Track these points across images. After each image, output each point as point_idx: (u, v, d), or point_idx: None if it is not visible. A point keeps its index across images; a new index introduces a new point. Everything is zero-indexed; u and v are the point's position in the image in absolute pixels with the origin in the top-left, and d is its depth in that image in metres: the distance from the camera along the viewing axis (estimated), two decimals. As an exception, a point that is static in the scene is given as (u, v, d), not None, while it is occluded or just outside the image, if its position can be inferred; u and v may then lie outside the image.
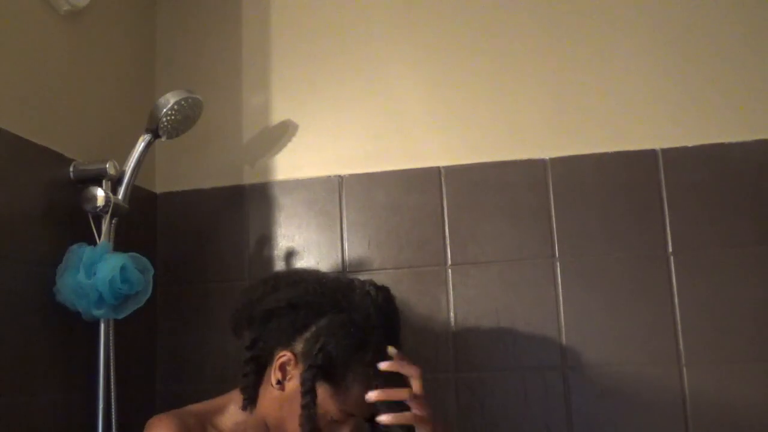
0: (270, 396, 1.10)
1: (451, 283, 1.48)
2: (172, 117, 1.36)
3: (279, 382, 1.08)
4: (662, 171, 1.44)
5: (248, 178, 1.61)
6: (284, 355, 1.08)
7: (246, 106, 1.65)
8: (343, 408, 1.06)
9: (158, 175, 1.65)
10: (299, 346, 1.08)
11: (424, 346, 1.46)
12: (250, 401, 1.12)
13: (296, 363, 1.07)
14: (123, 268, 1.23)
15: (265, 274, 1.22)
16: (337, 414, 1.07)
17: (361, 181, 1.55)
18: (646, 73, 1.49)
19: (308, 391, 1.03)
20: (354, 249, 1.53)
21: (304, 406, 1.03)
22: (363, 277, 1.48)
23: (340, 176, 1.57)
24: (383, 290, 1.14)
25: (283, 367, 1.08)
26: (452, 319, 1.47)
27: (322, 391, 1.05)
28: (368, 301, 1.10)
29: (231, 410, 1.15)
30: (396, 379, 1.05)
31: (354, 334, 1.06)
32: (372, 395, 1.02)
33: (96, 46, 1.45)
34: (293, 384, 1.07)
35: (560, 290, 1.44)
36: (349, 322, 1.07)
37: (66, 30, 1.35)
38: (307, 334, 1.08)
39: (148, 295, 1.30)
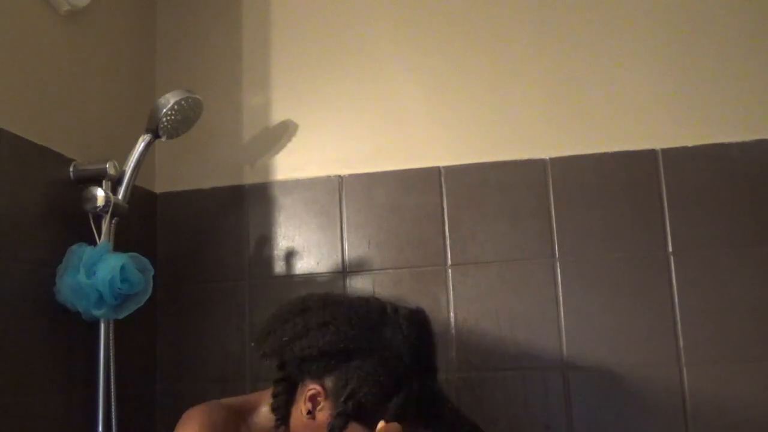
0: (301, 420, 1.09)
1: (451, 283, 1.48)
2: (172, 117, 1.36)
3: (309, 412, 1.07)
4: (662, 171, 1.44)
5: (248, 178, 1.61)
6: (314, 389, 1.06)
7: (246, 106, 1.65)
8: None
9: (158, 175, 1.65)
10: (329, 382, 1.06)
11: (424, 346, 1.46)
12: (283, 421, 1.11)
13: (326, 397, 1.06)
14: (123, 268, 1.23)
15: (294, 303, 1.13)
16: None
17: (361, 181, 1.55)
18: (646, 73, 1.49)
19: None
20: (354, 249, 1.53)
21: None
22: (363, 277, 1.51)
23: (340, 176, 1.57)
24: (416, 320, 1.10)
25: (313, 399, 1.07)
26: (452, 319, 1.47)
27: (353, 429, 1.04)
28: (400, 338, 1.07)
29: (263, 412, 1.14)
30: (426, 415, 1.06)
31: (385, 380, 1.04)
32: None
33: (96, 46, 1.45)
34: (324, 415, 1.06)
35: (560, 290, 1.44)
36: (380, 365, 1.04)
37: (66, 30, 1.35)
38: (337, 373, 1.06)
39: (148, 295, 1.30)
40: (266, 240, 1.58)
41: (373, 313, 1.11)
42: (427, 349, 1.12)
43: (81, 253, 1.24)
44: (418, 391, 1.05)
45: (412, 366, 1.06)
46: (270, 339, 1.11)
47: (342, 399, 1.03)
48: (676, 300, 1.40)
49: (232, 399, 1.16)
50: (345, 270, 1.53)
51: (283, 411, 1.11)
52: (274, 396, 1.12)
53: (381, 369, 1.04)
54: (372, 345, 1.06)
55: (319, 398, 1.06)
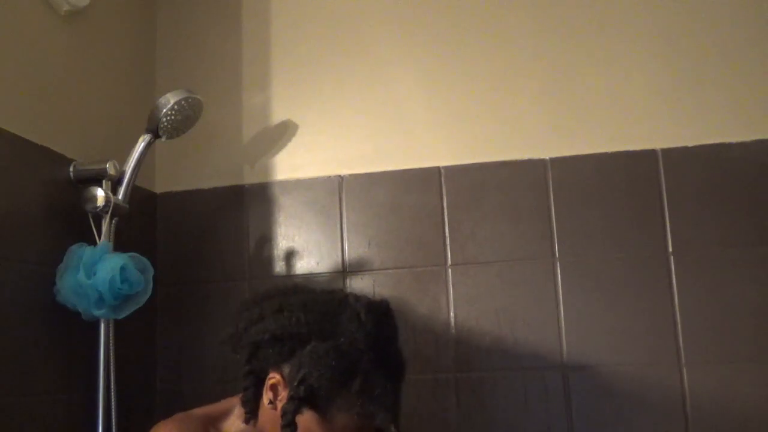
0: (266, 412, 1.09)
1: (451, 283, 1.48)
2: (172, 117, 1.36)
3: (271, 402, 1.07)
4: (662, 171, 1.44)
5: (248, 178, 1.61)
6: (273, 377, 1.06)
7: (246, 106, 1.65)
8: None
9: (158, 175, 1.65)
10: (286, 370, 1.06)
11: (425, 347, 1.46)
12: (252, 414, 1.11)
13: (285, 385, 1.05)
14: (123, 268, 1.23)
15: (252, 294, 1.17)
16: None
17: (361, 181, 1.55)
18: (646, 73, 1.49)
19: (288, 424, 1.01)
20: (354, 249, 1.53)
21: None
22: (363, 277, 1.51)
23: (340, 176, 1.57)
24: (376, 310, 1.09)
25: (273, 388, 1.06)
26: (452, 319, 1.47)
27: (308, 418, 1.03)
28: (355, 325, 1.05)
29: (234, 416, 1.14)
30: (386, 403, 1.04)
31: (337, 365, 1.02)
32: None
33: (96, 46, 1.45)
34: (283, 404, 1.05)
35: (560, 290, 1.44)
36: (332, 351, 1.02)
37: (66, 30, 1.35)
38: (293, 360, 1.05)
39: (148, 295, 1.30)
40: (266, 240, 1.58)
41: (333, 301, 1.10)
42: (386, 339, 1.09)
43: (81, 253, 1.24)
44: (372, 381, 1.03)
45: (366, 352, 1.04)
46: (229, 327, 1.13)
47: (295, 383, 1.02)
48: (676, 300, 1.40)
49: (203, 408, 1.15)
50: (345, 270, 1.53)
51: (251, 404, 1.11)
52: (244, 389, 1.12)
53: (334, 354, 1.02)
54: (326, 331, 1.05)
55: (278, 387, 1.06)
